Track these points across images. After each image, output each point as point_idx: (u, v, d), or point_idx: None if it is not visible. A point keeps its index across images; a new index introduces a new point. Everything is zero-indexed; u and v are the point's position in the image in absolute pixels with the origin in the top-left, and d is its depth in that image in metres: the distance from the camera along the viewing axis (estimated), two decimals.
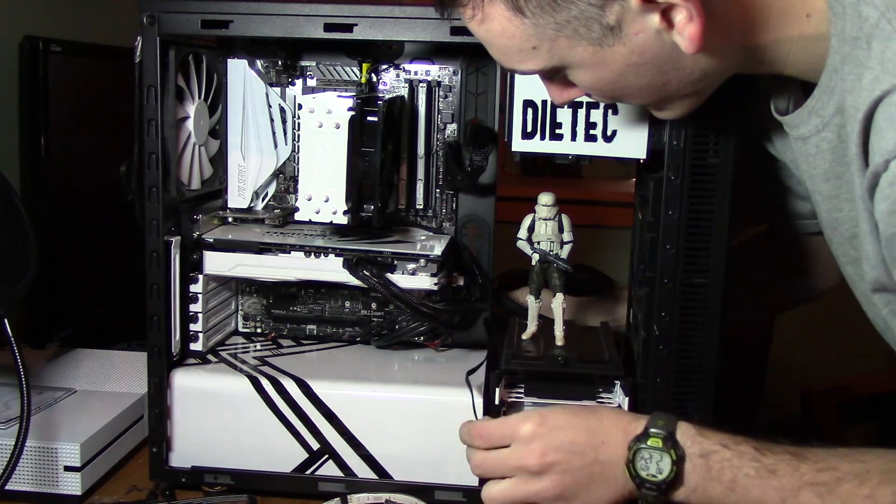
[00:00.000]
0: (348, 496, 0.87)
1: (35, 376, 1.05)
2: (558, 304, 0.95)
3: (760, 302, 1.07)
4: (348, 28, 0.84)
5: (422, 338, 1.01)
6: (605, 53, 0.64)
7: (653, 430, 0.68)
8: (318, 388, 0.90)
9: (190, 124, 0.94)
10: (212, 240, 0.94)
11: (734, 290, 0.81)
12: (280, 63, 0.99)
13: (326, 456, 0.90)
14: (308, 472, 0.91)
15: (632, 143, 0.84)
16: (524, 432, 0.73)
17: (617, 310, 1.07)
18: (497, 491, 0.74)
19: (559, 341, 0.97)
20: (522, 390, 0.92)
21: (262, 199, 1.03)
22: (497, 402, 0.88)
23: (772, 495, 0.63)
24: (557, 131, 0.85)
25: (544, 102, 0.85)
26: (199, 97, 0.95)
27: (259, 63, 0.99)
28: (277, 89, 1.00)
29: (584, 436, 0.71)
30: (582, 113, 0.84)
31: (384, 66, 0.99)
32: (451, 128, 0.99)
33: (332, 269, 0.92)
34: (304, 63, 1.00)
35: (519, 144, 0.86)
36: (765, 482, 0.63)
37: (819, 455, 0.63)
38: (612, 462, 0.70)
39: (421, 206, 1.01)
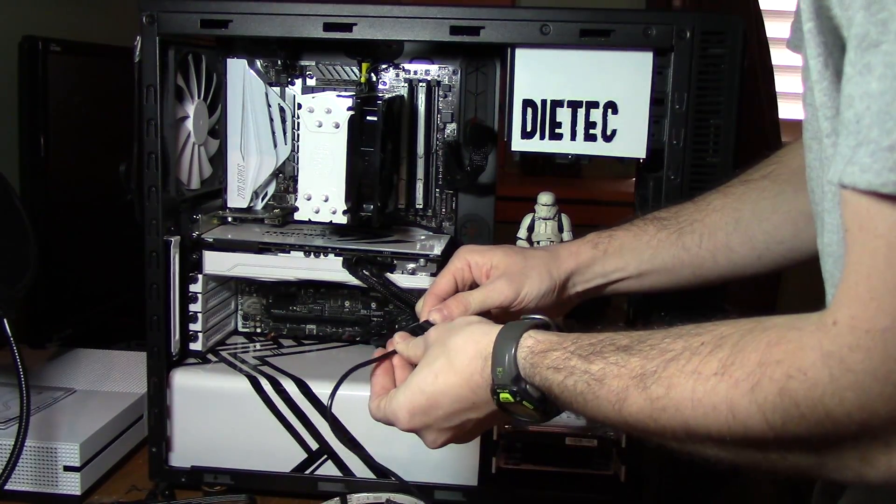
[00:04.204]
0: (348, 496, 0.87)
1: (35, 376, 1.05)
2: None
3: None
4: (348, 27, 0.84)
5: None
6: None
7: (498, 386, 0.62)
8: (316, 388, 0.90)
9: (189, 124, 0.94)
10: (211, 239, 0.94)
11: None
12: (279, 62, 0.99)
13: (325, 456, 0.90)
14: (307, 471, 0.91)
15: (631, 142, 0.84)
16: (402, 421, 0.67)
17: None
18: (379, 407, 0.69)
19: None
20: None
21: (262, 199, 1.03)
22: None
23: (605, 407, 0.56)
24: (557, 131, 0.85)
25: (544, 102, 0.85)
26: (199, 97, 0.95)
27: (258, 63, 0.99)
28: (277, 89, 1.00)
29: (454, 407, 0.65)
30: (581, 112, 0.84)
31: (384, 66, 0.99)
32: (451, 127, 0.99)
33: (331, 269, 0.92)
34: (303, 62, 1.00)
35: (518, 144, 0.86)
36: (595, 395, 0.57)
37: (656, 340, 0.55)
38: (486, 414, 0.65)
39: (421, 206, 1.01)
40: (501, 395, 0.61)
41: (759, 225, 0.74)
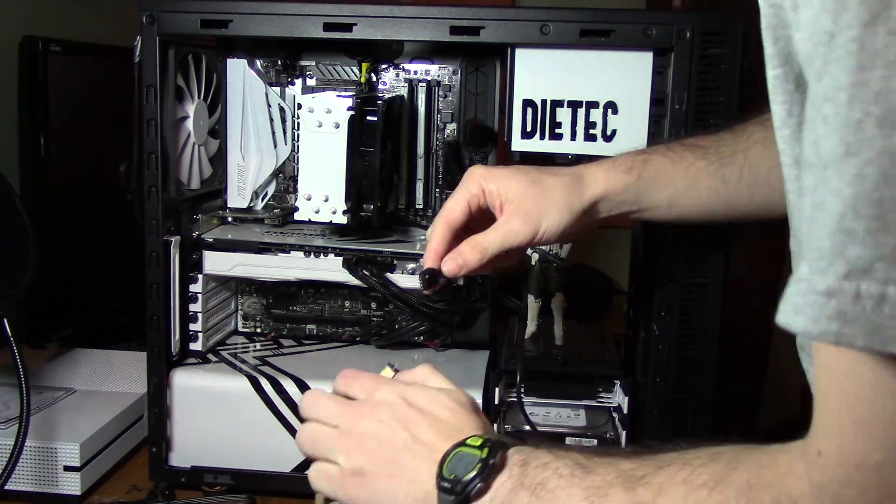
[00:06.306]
0: None
1: (35, 376, 1.05)
2: (558, 304, 0.95)
3: None
4: (348, 28, 0.84)
5: (421, 337, 1.01)
6: None
7: (479, 434, 0.57)
8: (316, 388, 0.90)
9: (189, 124, 0.94)
10: (211, 239, 0.94)
11: None
12: (279, 63, 0.99)
13: None
14: (307, 471, 0.90)
15: (631, 142, 0.84)
16: (378, 395, 0.61)
17: None
18: (307, 433, 0.63)
19: (559, 341, 0.97)
20: (523, 390, 0.92)
21: (262, 199, 1.03)
22: (497, 401, 0.88)
23: (576, 494, 0.51)
24: (557, 131, 0.85)
25: (544, 102, 0.85)
26: (199, 97, 0.95)
27: (258, 63, 0.99)
28: (277, 89, 1.00)
29: (420, 429, 0.59)
30: (581, 112, 0.84)
31: (384, 66, 0.99)
32: (451, 127, 0.99)
33: (331, 269, 0.92)
34: (303, 63, 1.00)
35: (518, 144, 0.86)
36: (574, 481, 0.52)
37: (656, 451, 0.52)
38: (424, 463, 0.57)
39: (421, 206, 1.01)
40: (469, 439, 0.56)
41: None
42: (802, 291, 0.37)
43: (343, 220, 0.93)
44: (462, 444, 0.56)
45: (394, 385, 0.63)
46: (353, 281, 0.92)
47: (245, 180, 1.01)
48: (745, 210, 0.71)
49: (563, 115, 0.85)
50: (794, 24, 0.40)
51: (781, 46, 0.44)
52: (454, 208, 0.69)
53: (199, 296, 0.95)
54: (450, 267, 0.68)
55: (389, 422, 0.59)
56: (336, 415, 0.62)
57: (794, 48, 0.41)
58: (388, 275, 0.92)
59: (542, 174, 0.70)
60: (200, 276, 0.94)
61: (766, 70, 0.47)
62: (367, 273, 0.91)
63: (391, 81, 0.99)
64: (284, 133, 1.00)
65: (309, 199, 0.95)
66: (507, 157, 0.88)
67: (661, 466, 0.50)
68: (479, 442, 0.56)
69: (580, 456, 0.54)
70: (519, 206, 0.68)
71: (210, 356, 0.97)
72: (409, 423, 0.59)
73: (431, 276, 0.69)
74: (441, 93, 0.98)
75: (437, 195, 1.01)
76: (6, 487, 0.79)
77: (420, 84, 0.98)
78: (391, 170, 0.93)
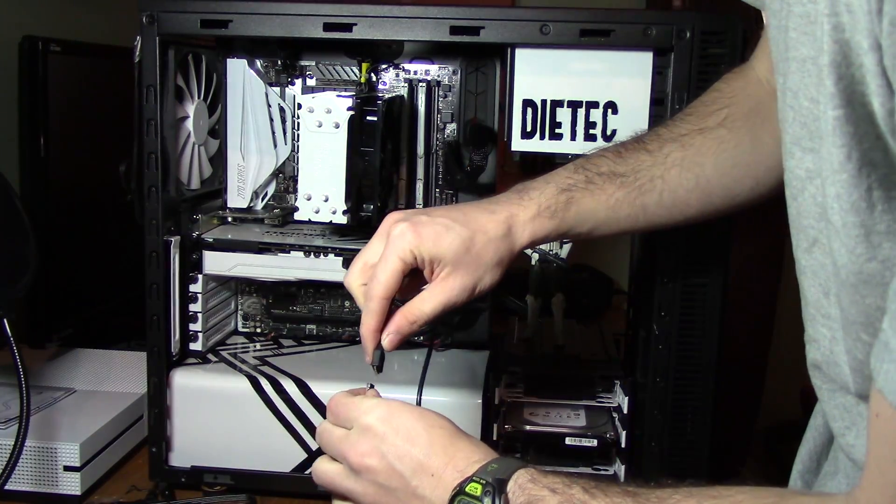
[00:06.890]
0: None
1: (35, 376, 1.05)
2: (558, 304, 0.95)
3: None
4: (348, 28, 0.84)
5: (421, 337, 1.01)
6: None
7: (478, 476, 0.58)
8: (316, 388, 0.90)
9: (189, 124, 0.94)
10: (211, 239, 0.94)
11: None
12: (279, 63, 0.99)
13: None
14: (307, 471, 0.91)
15: None
16: (362, 423, 0.64)
17: None
18: (322, 470, 0.66)
19: (559, 341, 0.97)
20: (522, 390, 0.92)
21: (262, 199, 1.03)
22: (497, 401, 0.88)
23: None
24: (557, 131, 0.85)
25: (544, 102, 0.85)
26: (199, 97, 0.95)
27: (258, 63, 0.99)
28: (277, 89, 1.00)
29: (416, 458, 0.61)
30: (581, 112, 0.84)
31: (384, 66, 0.99)
32: (451, 127, 0.99)
33: (331, 269, 0.92)
34: (303, 63, 1.00)
35: (518, 144, 0.86)
36: None
37: (664, 494, 0.53)
38: (429, 501, 0.60)
39: (421, 206, 1.01)
40: (469, 486, 0.57)
41: (720, 180, 0.71)
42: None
43: (343, 220, 0.93)
44: (462, 491, 0.57)
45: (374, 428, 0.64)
46: None
47: (245, 180, 1.01)
48: (662, 226, 0.74)
49: (563, 115, 0.85)
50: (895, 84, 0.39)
51: (845, 85, 0.43)
52: (390, 283, 0.67)
53: (199, 296, 0.95)
54: (391, 342, 0.69)
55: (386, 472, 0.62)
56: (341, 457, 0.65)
57: (877, 103, 0.40)
58: None
59: (474, 232, 0.68)
60: (200, 276, 0.94)
61: (820, 106, 0.45)
62: None
63: (391, 81, 0.99)
64: (284, 133, 1.00)
65: (309, 199, 0.95)
66: (507, 157, 0.88)
67: None
68: (479, 490, 0.57)
69: (584, 493, 0.54)
70: (454, 273, 0.68)
71: (210, 356, 0.97)
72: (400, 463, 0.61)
73: (382, 358, 0.70)
74: (441, 93, 0.98)
75: (437, 195, 1.01)
76: (6, 487, 0.79)
77: (420, 84, 0.98)
78: (391, 170, 0.93)
